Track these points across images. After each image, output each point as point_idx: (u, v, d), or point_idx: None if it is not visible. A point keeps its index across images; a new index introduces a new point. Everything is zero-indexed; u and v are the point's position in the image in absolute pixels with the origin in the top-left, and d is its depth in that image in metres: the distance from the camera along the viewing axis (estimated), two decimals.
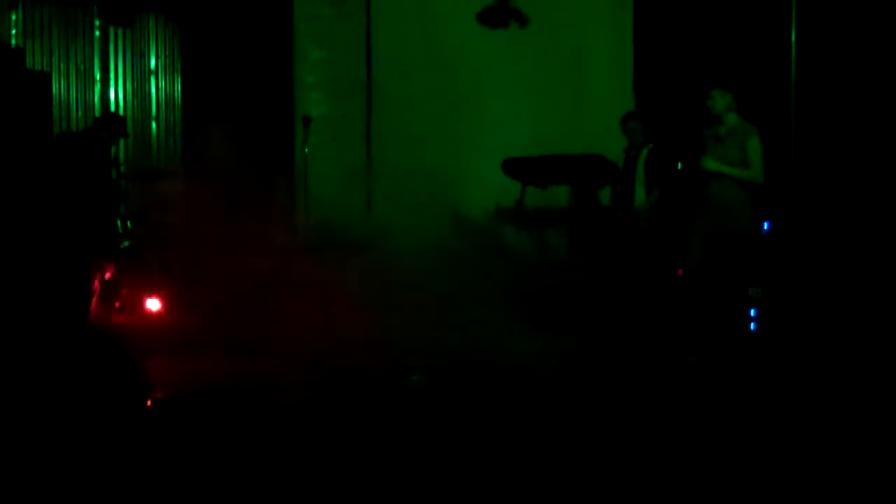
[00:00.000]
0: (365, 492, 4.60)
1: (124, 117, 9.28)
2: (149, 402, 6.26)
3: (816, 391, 6.30)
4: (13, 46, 8.73)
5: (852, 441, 5.28)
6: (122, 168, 9.30)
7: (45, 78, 8.63)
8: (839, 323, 7.51)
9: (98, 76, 9.61)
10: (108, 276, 7.94)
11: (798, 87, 8.61)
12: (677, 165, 8.00)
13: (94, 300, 7.79)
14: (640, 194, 8.38)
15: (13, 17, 9.10)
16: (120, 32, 9.76)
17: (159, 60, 9.91)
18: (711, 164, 7.36)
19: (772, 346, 7.37)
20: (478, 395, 6.35)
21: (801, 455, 5.11)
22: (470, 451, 5.14)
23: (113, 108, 9.68)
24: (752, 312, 7.65)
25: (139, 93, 9.83)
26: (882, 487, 4.62)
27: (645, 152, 8.40)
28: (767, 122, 7.82)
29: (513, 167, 8.86)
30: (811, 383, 6.47)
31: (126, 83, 9.75)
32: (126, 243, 8.32)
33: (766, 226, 7.92)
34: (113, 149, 8.89)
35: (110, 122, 8.56)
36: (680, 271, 7.66)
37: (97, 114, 9.42)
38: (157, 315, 8.01)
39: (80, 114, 9.33)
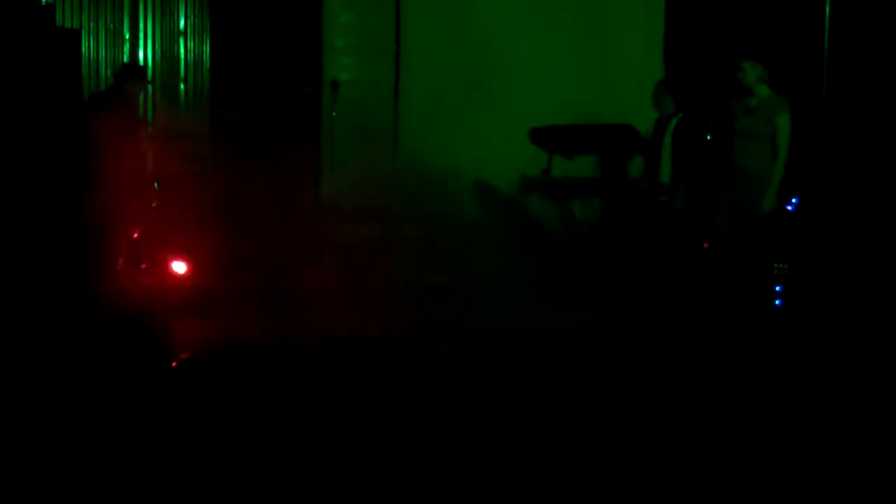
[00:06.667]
0: (388, 458, 4.64)
1: (144, 65, 9.24)
2: (174, 364, 6.32)
3: (840, 368, 6.27)
4: (43, 4, 8.71)
5: (875, 420, 5.27)
6: (150, 129, 9.29)
7: (75, 36, 8.62)
8: (865, 300, 7.47)
9: (127, 36, 9.59)
10: (134, 237, 7.98)
11: (831, 61, 8.52)
12: (706, 137, 7.93)
13: (121, 262, 7.84)
14: (665, 165, 8.31)
15: None
16: None
17: (188, 21, 9.88)
18: (769, 205, 7.27)
19: (796, 322, 7.34)
20: (501, 364, 6.37)
21: (820, 432, 5.11)
22: (489, 419, 5.18)
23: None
24: (778, 288, 7.62)
25: (168, 54, 9.79)
26: None
27: (674, 122, 8.31)
28: (799, 95, 7.74)
29: (540, 136, 8.83)
30: (835, 359, 6.44)
31: (155, 44, 9.72)
32: (153, 205, 8.33)
33: (794, 201, 7.88)
34: (141, 108, 8.88)
35: (132, 72, 8.43)
36: (706, 245, 7.62)
37: None
38: (183, 277, 8.04)
39: (108, 73, 9.28)
